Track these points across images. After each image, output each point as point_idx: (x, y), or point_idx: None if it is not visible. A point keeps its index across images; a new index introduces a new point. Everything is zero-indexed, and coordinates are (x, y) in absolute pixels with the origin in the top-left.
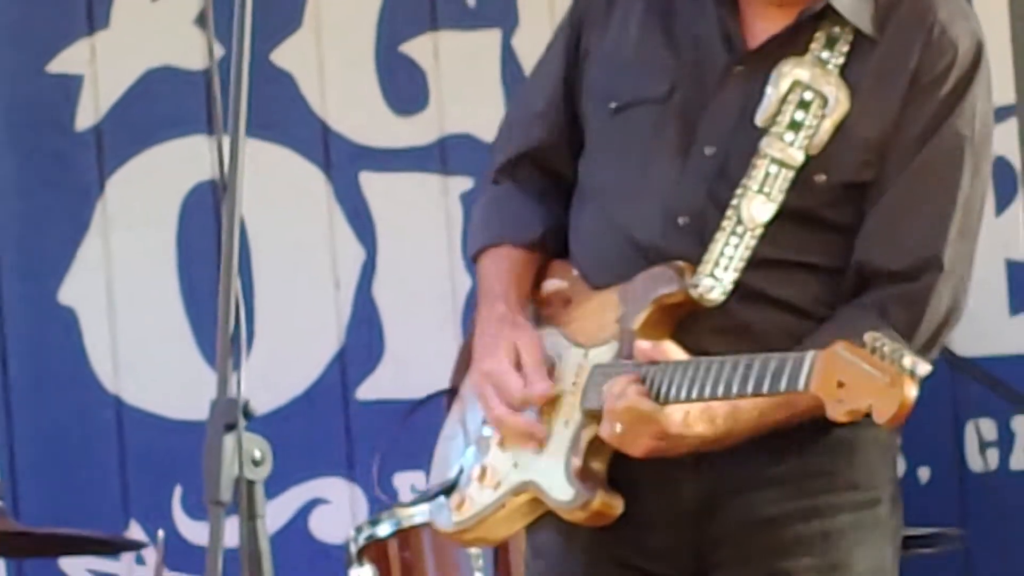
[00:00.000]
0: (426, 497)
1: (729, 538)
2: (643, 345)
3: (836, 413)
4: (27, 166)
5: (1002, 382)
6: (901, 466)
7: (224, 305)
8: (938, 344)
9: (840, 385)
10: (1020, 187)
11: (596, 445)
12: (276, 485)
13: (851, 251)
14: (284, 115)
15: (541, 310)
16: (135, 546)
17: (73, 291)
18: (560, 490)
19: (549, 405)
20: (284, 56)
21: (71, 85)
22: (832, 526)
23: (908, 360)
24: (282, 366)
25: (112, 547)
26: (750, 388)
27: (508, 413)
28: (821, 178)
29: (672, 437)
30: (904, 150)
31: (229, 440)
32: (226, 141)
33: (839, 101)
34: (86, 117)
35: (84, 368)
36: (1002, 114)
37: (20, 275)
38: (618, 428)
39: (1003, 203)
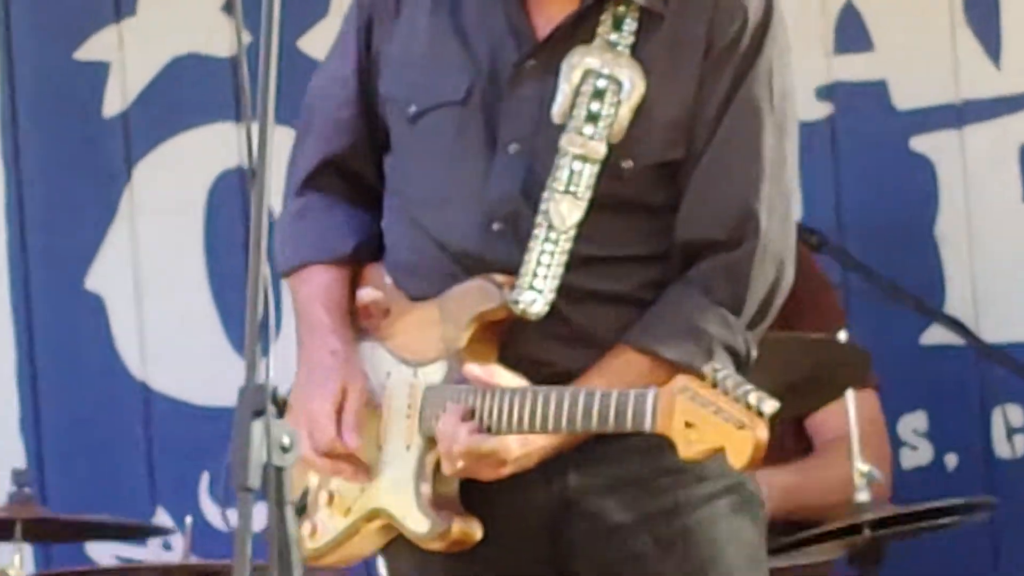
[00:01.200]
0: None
1: (587, 548)
2: (474, 371)
3: (689, 453)
4: (54, 153)
5: None
6: (928, 453)
7: (252, 291)
8: (768, 316)
9: (688, 425)
10: None
11: (441, 477)
12: None
13: (672, 233)
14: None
15: (359, 321)
16: (162, 532)
17: (100, 278)
18: (415, 521)
19: (376, 425)
20: (311, 43)
21: (98, 72)
22: (692, 522)
23: (754, 397)
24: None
25: (139, 533)
26: (594, 425)
27: (315, 457)
28: (628, 164)
29: (516, 459)
30: (708, 122)
31: (257, 427)
32: (254, 128)
33: (634, 84)
34: (113, 104)
35: (111, 355)
36: None
37: (47, 262)
38: (459, 465)
39: None
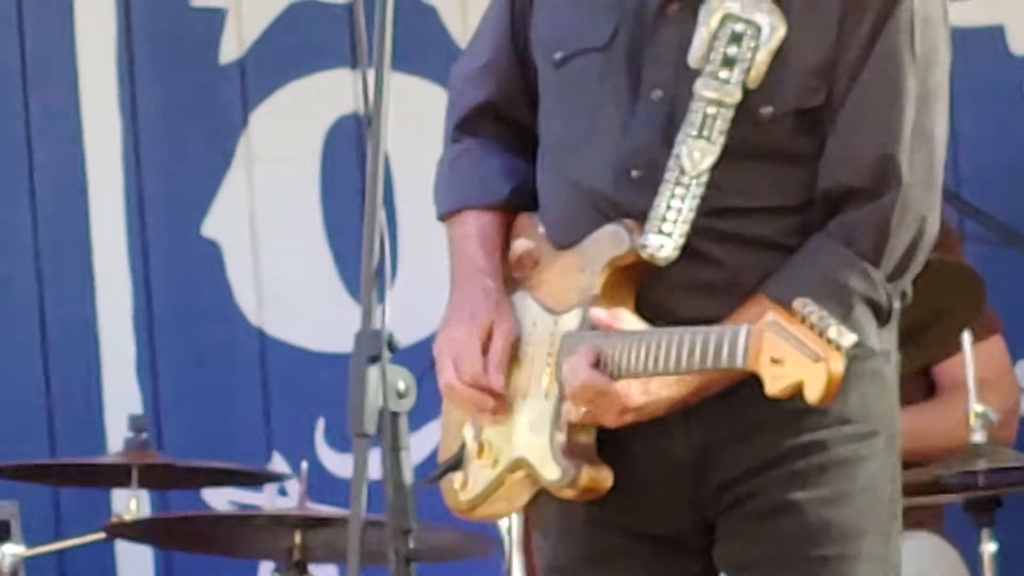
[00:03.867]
0: (436, 476)
1: (730, 484)
2: (599, 315)
3: (774, 389)
4: (171, 100)
5: None
6: None
7: (368, 237)
8: (911, 270)
9: (774, 361)
10: None
11: (574, 424)
12: (420, 417)
13: (815, 183)
14: (427, 48)
15: (512, 272)
16: (277, 478)
17: (216, 225)
18: (549, 469)
19: (524, 375)
20: None
21: (215, 19)
22: (828, 459)
23: (834, 331)
24: (426, 298)
25: (255, 479)
26: (696, 363)
27: (457, 384)
28: (767, 110)
29: (640, 407)
30: (848, 68)
31: (373, 372)
32: (370, 75)
33: (774, 28)
34: (230, 51)
35: (227, 301)
36: None
37: (164, 209)
38: (583, 410)
39: None
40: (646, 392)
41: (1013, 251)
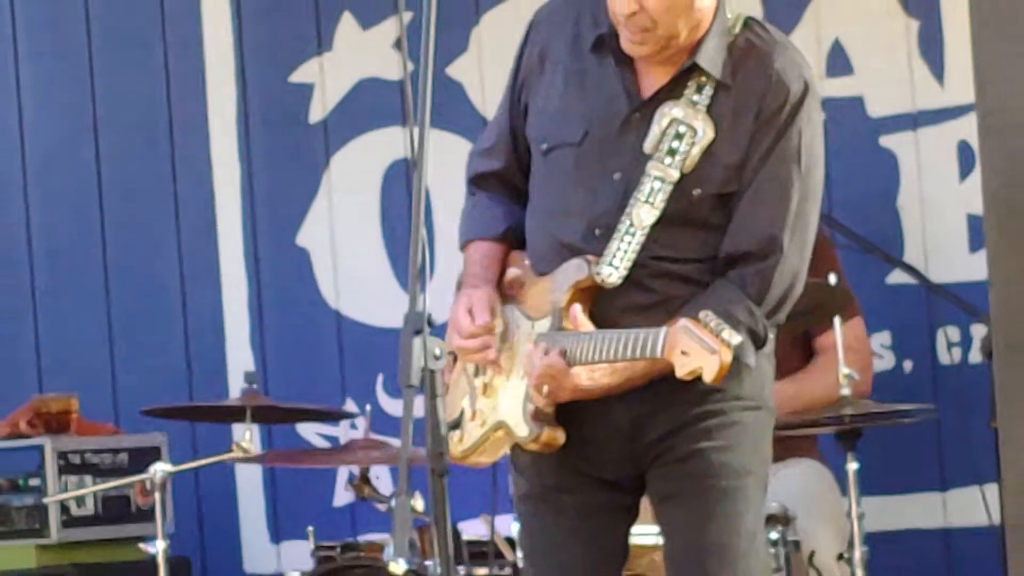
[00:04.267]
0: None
1: (657, 441)
2: (573, 313)
3: (681, 373)
4: (275, 148)
5: (963, 300)
6: (891, 361)
7: (414, 245)
8: (783, 310)
9: (683, 353)
10: (976, 162)
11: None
12: None
13: (720, 243)
14: (455, 112)
15: (506, 291)
16: (349, 416)
17: (307, 236)
18: (520, 429)
19: (509, 363)
20: (456, 70)
21: (306, 91)
22: (725, 420)
23: (726, 333)
24: (454, 290)
25: (333, 417)
26: (629, 354)
27: (463, 342)
28: (697, 192)
29: (586, 389)
30: (753, 167)
31: (417, 341)
32: (415, 130)
33: (706, 132)
34: (316, 113)
35: (314, 291)
36: (964, 110)
37: (269, 224)
38: (544, 390)
39: (965, 173)
40: (591, 379)
41: (869, 256)
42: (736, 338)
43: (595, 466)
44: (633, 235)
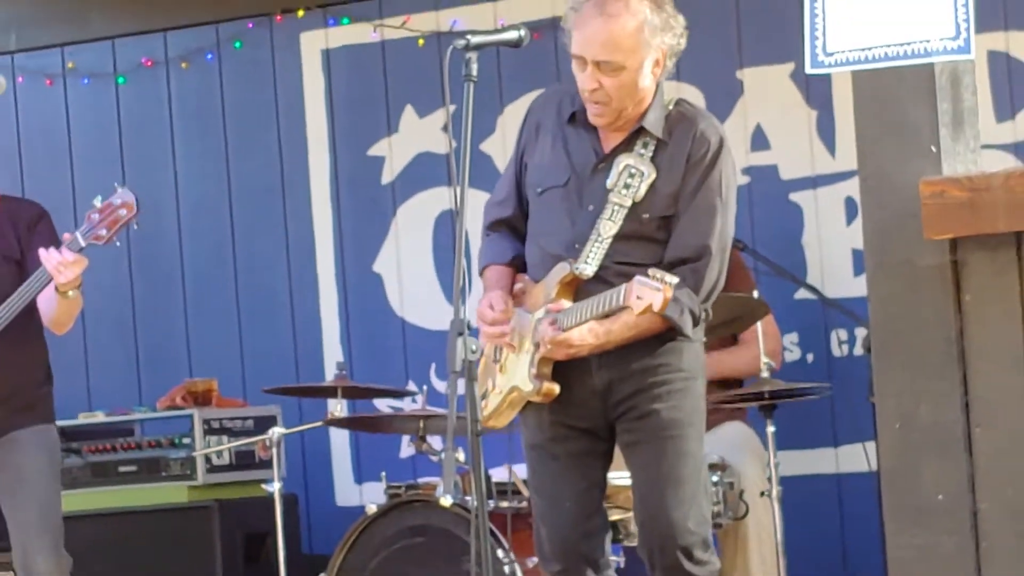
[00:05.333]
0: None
1: (622, 401)
2: (552, 304)
3: (637, 310)
4: (357, 202)
5: (848, 310)
6: (797, 354)
7: (456, 270)
8: (711, 298)
9: (639, 298)
10: (858, 212)
11: (542, 360)
12: None
13: (663, 253)
14: (485, 174)
15: (515, 299)
16: (411, 394)
17: (380, 264)
18: (526, 385)
19: (518, 346)
20: (488, 146)
21: (380, 161)
22: (672, 388)
23: (668, 278)
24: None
25: (399, 394)
26: (601, 309)
27: (487, 328)
28: (646, 215)
29: (576, 346)
30: (687, 196)
31: (460, 340)
32: (457, 189)
33: (650, 173)
34: (387, 177)
35: (385, 304)
36: (850, 174)
37: (353, 255)
38: (547, 350)
39: (850, 219)
40: (580, 339)
41: (781, 278)
42: (674, 280)
43: (577, 420)
44: (600, 243)
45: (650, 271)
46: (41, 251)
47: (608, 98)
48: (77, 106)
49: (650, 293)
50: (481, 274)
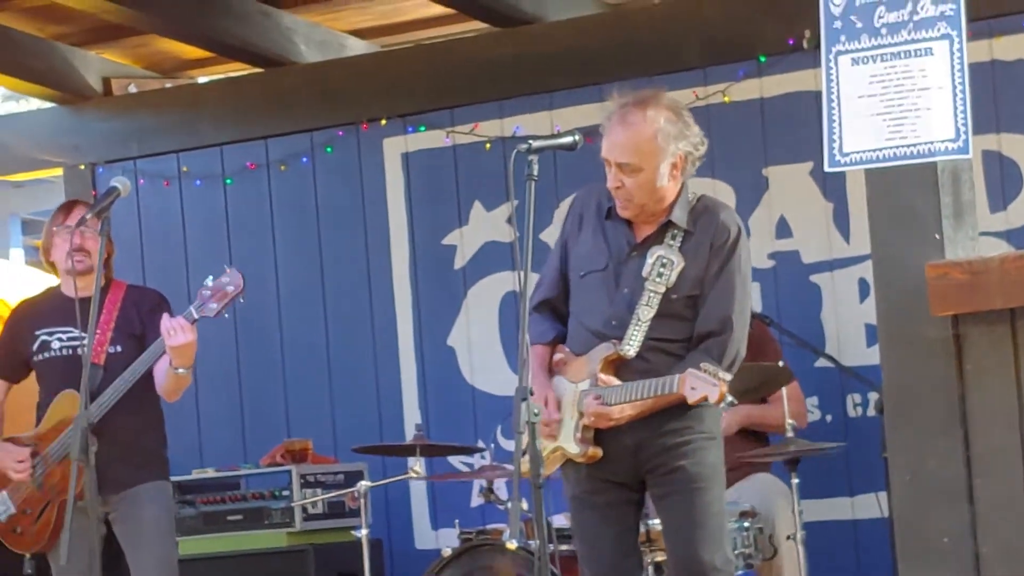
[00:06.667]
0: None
1: (651, 457)
2: (603, 377)
3: (692, 400)
4: (434, 285)
5: (862, 376)
6: (818, 415)
7: (520, 344)
8: (735, 366)
9: (692, 388)
10: (871, 291)
11: (585, 427)
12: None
13: (693, 329)
14: (545, 261)
15: (555, 367)
16: (480, 451)
17: (453, 338)
18: (572, 447)
19: (561, 409)
20: (545, 236)
21: (453, 250)
22: (696, 446)
23: (722, 374)
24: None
25: (470, 451)
26: (650, 394)
27: (542, 424)
28: (675, 296)
29: (617, 419)
30: (710, 279)
31: (523, 405)
32: (521, 274)
33: (679, 262)
34: (459, 263)
35: (458, 373)
36: (863, 259)
37: (430, 331)
38: (590, 421)
39: (863, 298)
40: (620, 413)
41: (803, 349)
42: (728, 376)
43: (611, 474)
44: (639, 326)
45: (702, 365)
46: (163, 319)
47: (630, 195)
48: (190, 205)
49: (705, 387)
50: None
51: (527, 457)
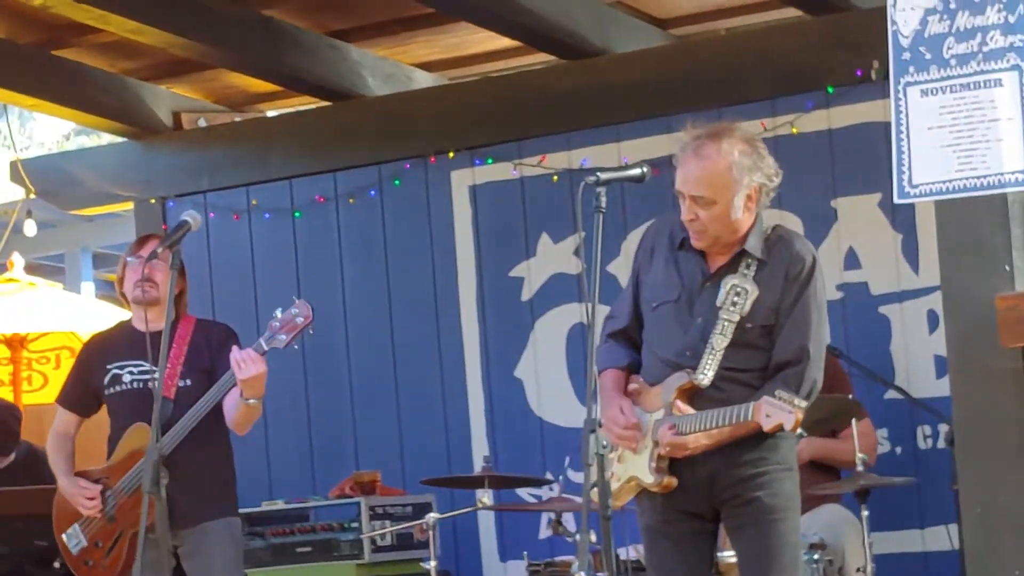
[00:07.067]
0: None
1: (726, 488)
2: (677, 405)
3: (767, 427)
4: (503, 317)
5: (932, 408)
6: (887, 446)
7: (589, 375)
8: (812, 396)
9: (768, 416)
10: (940, 323)
11: (660, 456)
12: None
13: (769, 359)
14: (612, 293)
15: (630, 398)
16: (548, 482)
17: (521, 370)
18: (647, 477)
19: (638, 442)
20: (613, 268)
21: (520, 282)
22: (770, 478)
23: (797, 401)
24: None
25: (538, 483)
26: (725, 423)
27: (621, 432)
28: (750, 326)
29: (692, 449)
30: (786, 309)
31: (592, 437)
32: (589, 305)
33: (753, 291)
34: (526, 295)
35: (525, 404)
36: (932, 290)
37: (497, 363)
38: (666, 451)
39: (932, 329)
40: (695, 443)
41: (873, 381)
42: (804, 403)
43: (686, 504)
44: (713, 355)
45: (777, 392)
46: (232, 352)
47: (704, 227)
48: (260, 237)
49: (780, 414)
50: (599, 375)
51: (596, 489)
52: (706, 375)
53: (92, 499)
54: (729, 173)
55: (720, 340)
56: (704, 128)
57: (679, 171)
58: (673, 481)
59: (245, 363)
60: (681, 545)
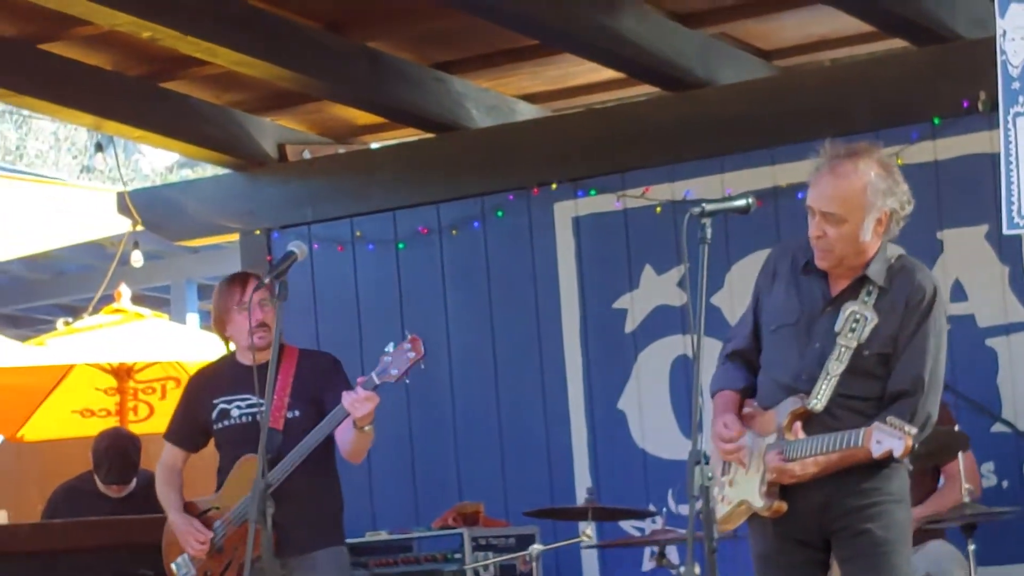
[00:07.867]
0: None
1: (838, 518)
2: (792, 429)
3: (876, 454)
4: (606, 349)
5: None
6: (994, 480)
7: (694, 407)
8: (927, 429)
9: (878, 442)
10: None
11: (771, 482)
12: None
13: (884, 388)
14: (716, 326)
15: (744, 422)
16: (652, 515)
17: (624, 402)
18: (757, 501)
19: (749, 463)
20: (717, 299)
21: (624, 314)
22: (883, 509)
23: (908, 428)
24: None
25: (642, 515)
26: (834, 447)
27: (724, 445)
28: (867, 353)
29: (800, 475)
30: (904, 339)
31: (697, 469)
32: (694, 337)
33: (872, 319)
34: (629, 327)
35: (628, 437)
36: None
37: (600, 394)
38: (773, 476)
39: None
40: (803, 469)
41: (980, 414)
42: (914, 430)
43: (797, 532)
44: (828, 381)
45: (888, 419)
46: (344, 394)
47: (831, 246)
48: (364, 269)
49: (890, 440)
50: (713, 395)
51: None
52: (820, 400)
53: (203, 544)
54: (864, 194)
55: (836, 366)
56: (843, 147)
57: (812, 187)
58: (783, 506)
59: (360, 403)
60: (792, 574)
